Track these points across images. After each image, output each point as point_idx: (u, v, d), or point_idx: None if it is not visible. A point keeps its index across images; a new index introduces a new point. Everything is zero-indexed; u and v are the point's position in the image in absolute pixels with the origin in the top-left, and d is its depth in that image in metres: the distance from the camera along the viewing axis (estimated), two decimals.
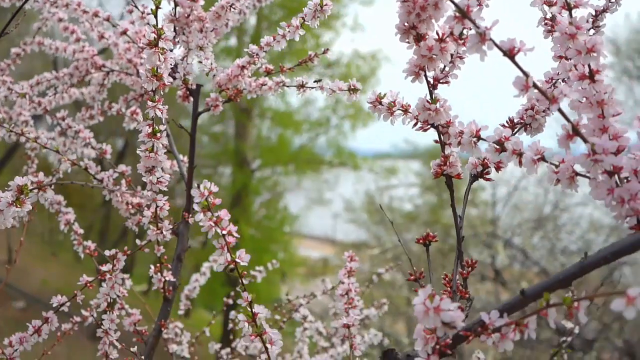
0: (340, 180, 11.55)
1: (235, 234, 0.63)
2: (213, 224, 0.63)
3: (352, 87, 0.85)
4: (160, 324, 1.00)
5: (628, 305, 0.40)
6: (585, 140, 0.51)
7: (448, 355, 0.57)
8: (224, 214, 0.63)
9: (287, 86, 0.97)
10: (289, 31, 0.89)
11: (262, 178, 11.43)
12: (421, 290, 0.51)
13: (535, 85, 0.51)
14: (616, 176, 0.53)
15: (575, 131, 0.51)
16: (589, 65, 0.54)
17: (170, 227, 0.91)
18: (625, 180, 0.52)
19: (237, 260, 0.64)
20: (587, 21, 0.73)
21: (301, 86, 0.95)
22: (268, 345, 0.65)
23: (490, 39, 0.50)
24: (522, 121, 0.69)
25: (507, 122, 0.70)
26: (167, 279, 0.98)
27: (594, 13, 0.74)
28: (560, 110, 0.51)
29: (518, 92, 0.51)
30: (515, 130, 0.70)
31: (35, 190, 0.68)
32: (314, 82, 0.94)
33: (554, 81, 0.70)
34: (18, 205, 0.67)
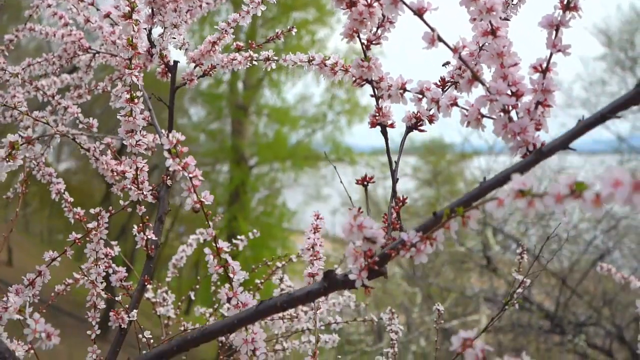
0: (337, 176, 11.62)
1: (200, 178, 0.73)
2: (181, 168, 0.72)
3: (311, 58, 0.95)
4: (144, 279, 1.10)
5: (498, 206, 0.50)
6: (483, 84, 0.61)
7: (378, 274, 0.67)
8: (190, 160, 0.73)
9: (256, 60, 1.07)
10: (251, 7, 0.99)
11: (260, 175, 11.53)
12: (348, 212, 0.61)
13: (439, 39, 0.60)
14: (515, 114, 0.63)
15: (474, 77, 0.61)
16: (491, 23, 0.63)
17: (150, 187, 1.01)
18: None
19: (202, 199, 0.74)
20: None
21: (267, 59, 1.05)
22: (231, 275, 0.75)
23: (401, 1, 0.60)
24: (452, 79, 0.79)
25: (439, 80, 0.79)
26: (149, 237, 1.08)
27: None
28: (461, 59, 0.61)
29: (426, 44, 0.61)
30: (447, 87, 0.79)
31: (25, 145, 0.78)
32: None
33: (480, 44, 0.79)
34: (10, 159, 0.77)
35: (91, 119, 1.20)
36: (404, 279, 6.56)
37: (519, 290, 1.15)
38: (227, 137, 11.35)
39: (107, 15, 1.13)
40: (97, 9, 1.19)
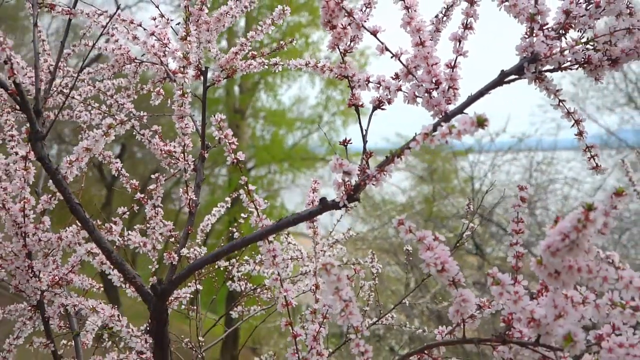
0: (335, 176, 11.98)
1: (235, 143, 1.11)
2: (223, 137, 1.10)
3: (307, 62, 1.33)
4: (188, 229, 1.48)
5: (416, 144, 0.88)
6: (413, 76, 0.99)
7: (353, 199, 1.04)
8: (230, 132, 1.11)
9: (267, 65, 1.45)
10: (264, 27, 1.38)
11: (258, 177, 11.88)
12: (334, 156, 0.99)
13: (386, 48, 0.99)
14: (435, 93, 1.01)
15: (408, 71, 1.00)
16: (419, 37, 1.02)
17: (193, 159, 1.39)
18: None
19: (238, 157, 1.12)
20: (442, 10, 1.20)
21: (276, 64, 1.44)
22: (258, 206, 1.13)
23: (363, 26, 0.98)
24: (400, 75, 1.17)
25: (394, 74, 1.17)
26: (191, 198, 1.45)
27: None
28: (400, 61, 1.00)
29: (378, 53, 0.99)
30: (399, 79, 1.17)
31: (119, 125, 1.15)
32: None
33: None
34: (106, 136, 1.15)
35: (142, 112, 1.58)
36: (399, 266, 6.95)
37: (467, 233, 1.52)
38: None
39: (152, 34, 1.51)
40: (144, 29, 1.57)
